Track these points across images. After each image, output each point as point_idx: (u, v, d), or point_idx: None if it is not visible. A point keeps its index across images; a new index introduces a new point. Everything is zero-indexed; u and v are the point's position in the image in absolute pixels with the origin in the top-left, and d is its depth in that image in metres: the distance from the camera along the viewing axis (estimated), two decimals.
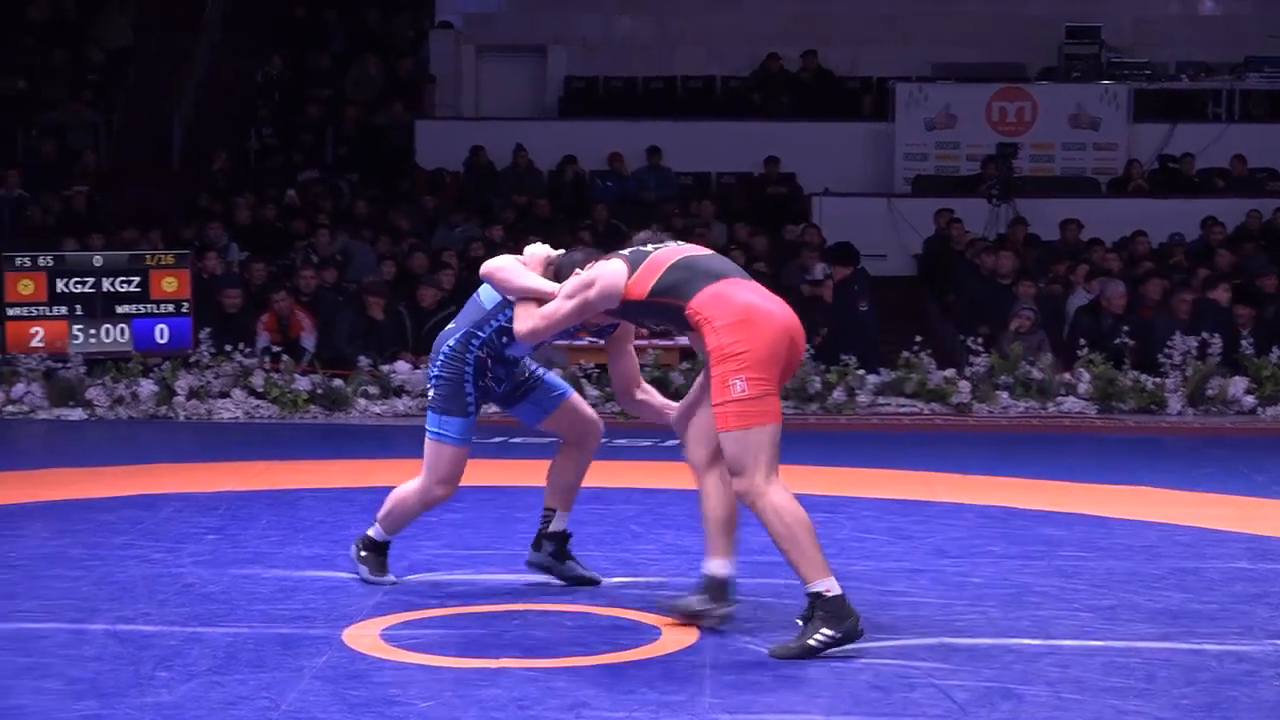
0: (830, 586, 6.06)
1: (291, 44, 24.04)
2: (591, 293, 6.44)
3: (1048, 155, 22.34)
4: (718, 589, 6.40)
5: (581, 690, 5.63)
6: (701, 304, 6.20)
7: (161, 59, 23.59)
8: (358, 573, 7.31)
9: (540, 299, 6.64)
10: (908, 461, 11.62)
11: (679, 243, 6.64)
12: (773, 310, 6.22)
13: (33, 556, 7.94)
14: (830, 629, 6.02)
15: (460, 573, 7.54)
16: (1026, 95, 22.47)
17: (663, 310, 6.39)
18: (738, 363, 6.09)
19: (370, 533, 7.31)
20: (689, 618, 6.43)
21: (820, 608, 6.05)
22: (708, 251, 6.57)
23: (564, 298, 6.53)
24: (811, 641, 6.02)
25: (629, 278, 6.38)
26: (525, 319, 6.66)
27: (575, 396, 7.29)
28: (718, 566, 6.39)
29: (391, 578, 7.28)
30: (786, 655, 6.02)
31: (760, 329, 6.12)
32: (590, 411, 7.29)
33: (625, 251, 6.55)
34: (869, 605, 6.89)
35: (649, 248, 6.52)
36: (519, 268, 6.80)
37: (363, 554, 7.31)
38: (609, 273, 6.43)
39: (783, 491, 6.14)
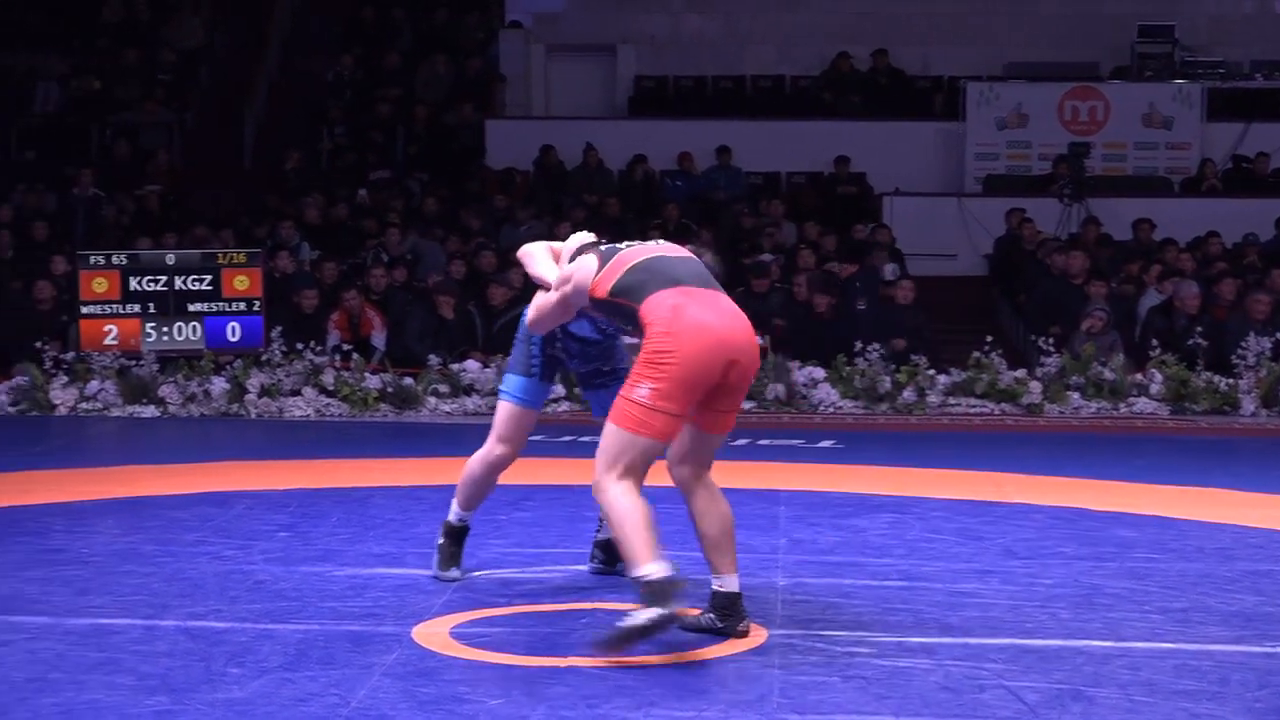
0: (650, 571, 5.98)
1: (361, 43, 24.13)
2: (569, 288, 6.52)
3: (1120, 155, 22.21)
4: (730, 604, 6.31)
5: (650, 689, 5.63)
6: (649, 308, 6.18)
7: (233, 59, 23.76)
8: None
9: (545, 288, 6.78)
10: (978, 462, 11.57)
11: (659, 242, 6.61)
12: (712, 328, 6.11)
13: (105, 553, 7.99)
14: (652, 609, 5.94)
15: (529, 571, 7.54)
16: (1099, 94, 22.34)
17: (621, 311, 6.34)
18: (653, 371, 6.06)
19: (449, 517, 7.35)
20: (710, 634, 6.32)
21: (643, 590, 5.98)
22: (680, 254, 6.48)
23: (553, 289, 6.64)
24: (637, 621, 5.95)
25: (596, 274, 6.39)
26: (531, 307, 6.82)
27: None
28: (729, 583, 6.31)
29: (456, 574, 7.30)
30: (609, 641, 5.97)
31: (689, 347, 6.05)
32: None
33: (604, 247, 6.58)
34: (939, 606, 6.89)
35: (623, 245, 6.53)
36: (541, 255, 6.94)
37: (440, 542, 7.35)
38: (581, 269, 6.47)
39: (625, 488, 6.11)
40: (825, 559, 7.95)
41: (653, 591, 5.95)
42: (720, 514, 6.32)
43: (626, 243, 6.58)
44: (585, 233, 7.01)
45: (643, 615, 5.94)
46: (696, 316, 6.12)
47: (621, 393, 6.18)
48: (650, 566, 5.99)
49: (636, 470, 6.16)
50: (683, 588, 6.05)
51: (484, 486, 7.28)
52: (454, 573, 7.30)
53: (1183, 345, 15.03)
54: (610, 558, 7.48)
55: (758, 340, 6.37)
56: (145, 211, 19.88)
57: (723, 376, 6.14)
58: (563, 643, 6.25)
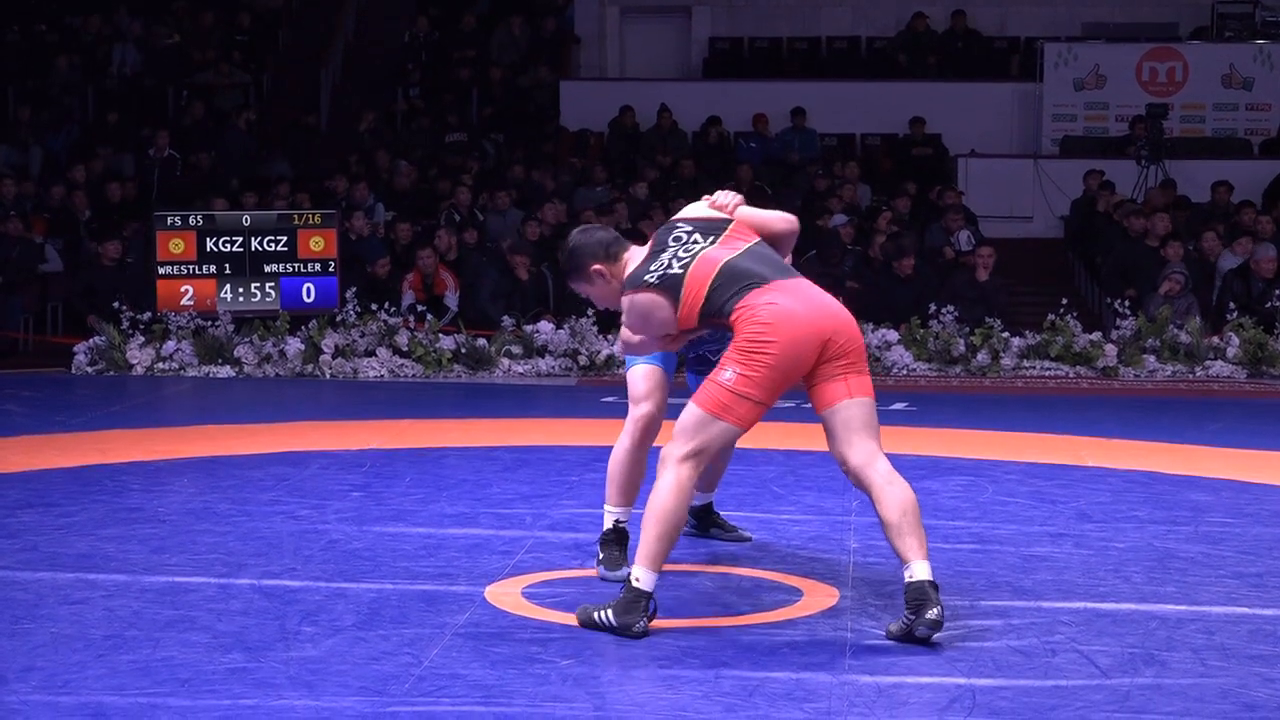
0: (642, 578, 5.84)
1: (437, 5, 24.13)
2: (650, 331, 6.22)
3: (1199, 116, 22.01)
4: (928, 592, 5.77)
5: (721, 651, 5.64)
6: (740, 314, 5.93)
7: (309, 21, 23.81)
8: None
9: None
10: (1052, 425, 11.51)
11: (704, 238, 6.16)
12: (805, 319, 5.89)
13: (181, 512, 8.05)
14: (614, 616, 5.84)
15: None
16: (1178, 55, 22.13)
17: (714, 328, 6.16)
18: (746, 358, 5.86)
19: (605, 523, 6.81)
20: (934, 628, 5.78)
21: (625, 591, 5.88)
22: (740, 244, 6.14)
23: (630, 340, 6.37)
24: (596, 614, 5.90)
25: (674, 311, 6.07)
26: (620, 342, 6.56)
27: None
28: (922, 570, 5.78)
29: (628, 571, 6.43)
30: (581, 618, 5.96)
31: (786, 335, 5.85)
32: None
33: (653, 277, 6.10)
34: (1011, 569, 6.87)
35: (677, 268, 6.09)
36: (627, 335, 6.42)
37: (601, 555, 6.81)
38: (657, 316, 6.14)
39: (682, 480, 5.91)
40: None
41: (627, 599, 5.85)
42: (902, 496, 5.87)
43: (679, 264, 6.08)
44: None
45: (603, 614, 5.87)
46: (790, 308, 5.90)
47: (710, 376, 5.99)
48: (645, 574, 5.86)
49: (707, 455, 5.99)
50: (649, 611, 5.85)
51: (632, 471, 6.72)
52: (625, 570, 6.53)
53: (1260, 308, 14.92)
54: (703, 524, 7.43)
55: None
56: (221, 173, 19.96)
57: (818, 357, 5.92)
58: None
